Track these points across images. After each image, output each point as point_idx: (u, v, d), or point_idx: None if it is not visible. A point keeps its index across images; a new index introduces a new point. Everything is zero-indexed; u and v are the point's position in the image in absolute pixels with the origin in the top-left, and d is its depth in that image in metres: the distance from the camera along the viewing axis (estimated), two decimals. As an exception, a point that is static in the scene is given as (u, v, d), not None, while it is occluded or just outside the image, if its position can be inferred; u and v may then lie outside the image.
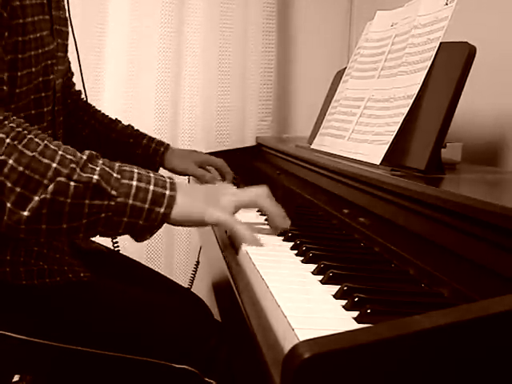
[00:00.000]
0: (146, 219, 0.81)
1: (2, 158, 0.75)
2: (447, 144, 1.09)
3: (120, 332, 0.96)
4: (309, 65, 2.08)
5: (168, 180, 0.84)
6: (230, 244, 0.91)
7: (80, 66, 1.33)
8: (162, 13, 1.85)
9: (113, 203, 0.78)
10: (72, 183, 0.76)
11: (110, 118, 1.33)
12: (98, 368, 0.95)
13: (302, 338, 0.50)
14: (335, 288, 0.66)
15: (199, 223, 0.84)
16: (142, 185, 0.81)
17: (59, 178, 0.76)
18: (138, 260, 1.30)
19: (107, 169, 0.80)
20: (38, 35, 0.92)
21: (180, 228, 1.93)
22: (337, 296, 0.65)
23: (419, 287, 0.70)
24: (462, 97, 0.91)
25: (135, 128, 1.34)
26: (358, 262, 0.78)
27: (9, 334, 0.92)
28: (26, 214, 0.76)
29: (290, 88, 2.10)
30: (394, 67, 1.09)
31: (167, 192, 0.82)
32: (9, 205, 0.75)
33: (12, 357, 0.95)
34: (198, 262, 1.69)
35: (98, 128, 1.31)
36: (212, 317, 1.13)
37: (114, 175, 0.80)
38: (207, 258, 1.33)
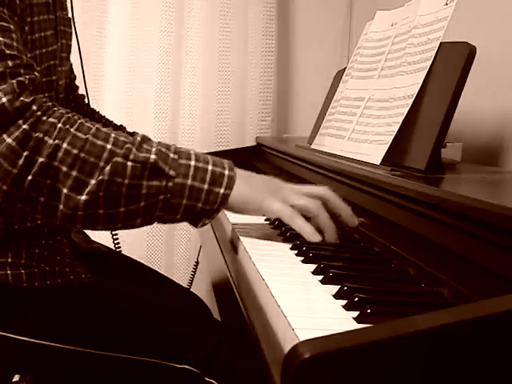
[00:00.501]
0: (205, 201, 0.78)
1: (56, 142, 0.73)
2: (447, 144, 1.09)
3: (121, 332, 0.96)
4: (309, 65, 2.09)
5: (226, 162, 0.81)
6: (230, 243, 0.91)
7: (82, 67, 1.32)
8: (162, 15, 1.85)
9: (171, 184, 0.76)
10: (129, 163, 0.75)
11: (115, 124, 1.33)
12: (99, 369, 0.95)
13: (302, 338, 0.50)
14: (335, 288, 0.66)
15: (256, 211, 0.82)
16: (200, 164, 0.78)
17: (116, 159, 0.74)
18: (138, 260, 1.30)
19: (164, 149, 0.78)
20: (43, 34, 0.92)
21: (180, 228, 1.94)
22: (337, 296, 0.65)
23: (419, 287, 0.70)
24: (461, 97, 0.91)
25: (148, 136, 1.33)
26: (358, 262, 0.78)
27: (10, 335, 0.92)
28: (83, 198, 0.73)
29: (290, 88, 2.10)
30: (394, 67, 1.09)
31: (226, 172, 0.79)
32: (65, 190, 0.73)
33: (13, 358, 0.95)
34: (197, 262, 1.69)
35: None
36: (212, 317, 1.13)
37: (171, 155, 0.78)
38: (207, 258, 1.33)
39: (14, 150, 0.72)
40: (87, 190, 0.74)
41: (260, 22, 1.95)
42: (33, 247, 0.95)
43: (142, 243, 1.90)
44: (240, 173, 0.81)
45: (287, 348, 0.44)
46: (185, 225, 1.94)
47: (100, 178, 0.74)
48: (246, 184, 0.81)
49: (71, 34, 1.10)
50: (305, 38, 2.08)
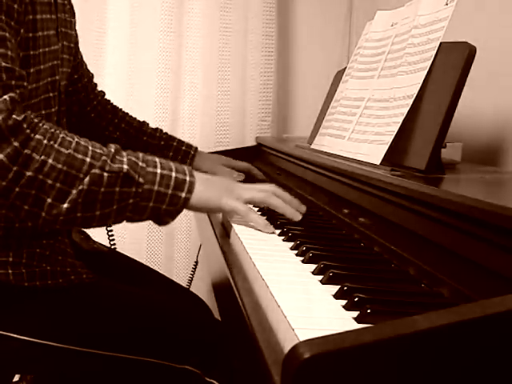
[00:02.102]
0: (170, 204, 0.88)
1: (43, 158, 0.80)
2: (447, 144, 1.09)
3: (121, 333, 0.96)
4: (309, 65, 2.08)
5: (186, 168, 0.91)
6: (230, 244, 0.91)
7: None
8: (162, 14, 1.85)
9: (140, 190, 0.86)
10: (105, 174, 0.83)
11: (139, 121, 1.37)
12: (99, 368, 0.95)
13: (302, 338, 0.50)
14: (335, 288, 0.66)
15: (215, 210, 0.93)
16: (165, 172, 0.88)
17: (94, 170, 0.83)
18: (138, 260, 1.30)
19: (133, 159, 0.87)
20: (45, 33, 0.95)
21: (180, 228, 1.94)
22: (337, 296, 0.65)
23: (419, 287, 0.70)
24: (461, 97, 0.91)
25: (164, 131, 1.38)
26: (358, 262, 0.78)
27: (11, 335, 0.92)
28: (65, 206, 0.82)
29: (290, 88, 2.10)
30: (393, 67, 1.09)
31: (187, 178, 0.89)
32: (49, 200, 0.81)
33: (13, 357, 0.95)
34: (196, 262, 1.69)
35: (128, 131, 1.34)
36: (213, 316, 1.13)
37: (140, 164, 0.87)
38: (207, 258, 1.33)
39: (4, 165, 0.78)
40: (69, 198, 0.82)
41: (260, 22, 1.95)
42: (34, 247, 0.95)
43: (142, 243, 1.90)
44: (199, 177, 0.91)
45: (287, 348, 0.44)
46: (185, 225, 1.94)
47: (80, 187, 0.82)
48: (205, 187, 0.91)
49: (72, 36, 1.10)
50: (305, 38, 2.08)
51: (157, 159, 0.90)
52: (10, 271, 0.92)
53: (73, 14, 1.12)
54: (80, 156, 0.83)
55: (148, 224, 1.89)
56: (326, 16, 2.08)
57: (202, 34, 1.90)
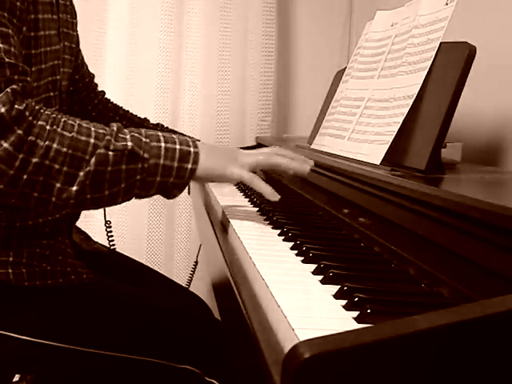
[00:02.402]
0: (176, 176, 0.88)
1: (47, 143, 0.81)
2: (447, 144, 1.09)
3: (121, 332, 0.96)
4: (309, 65, 2.08)
5: (190, 139, 0.92)
6: (231, 244, 0.91)
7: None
8: (162, 14, 1.85)
9: (146, 165, 0.86)
10: (110, 153, 0.84)
11: (140, 118, 1.38)
12: (100, 368, 0.95)
13: (302, 338, 0.50)
14: (335, 288, 0.66)
15: (221, 178, 0.93)
16: (169, 145, 0.88)
17: (99, 151, 0.83)
18: (138, 260, 1.30)
19: (136, 135, 0.87)
20: (47, 33, 0.95)
21: (180, 229, 1.94)
22: (337, 296, 0.65)
23: (419, 287, 0.70)
24: (461, 97, 0.91)
25: (165, 125, 1.39)
26: (358, 262, 0.78)
27: (11, 334, 0.92)
28: (74, 188, 0.82)
29: (290, 88, 2.10)
30: (394, 67, 1.09)
31: (192, 149, 0.89)
32: (58, 185, 0.81)
33: (14, 357, 0.95)
34: (196, 262, 1.69)
35: (130, 128, 1.33)
36: (213, 316, 1.13)
37: (144, 140, 0.87)
38: (207, 258, 1.33)
39: (10, 153, 0.78)
40: (77, 181, 0.82)
41: (260, 22, 1.95)
42: (34, 246, 0.95)
43: (142, 244, 1.90)
44: (203, 147, 0.91)
45: (287, 348, 0.44)
46: (185, 225, 1.94)
47: (87, 169, 0.82)
48: (210, 157, 0.91)
49: (74, 37, 1.11)
50: (305, 38, 2.08)
51: (160, 133, 0.90)
52: (10, 271, 0.92)
53: (74, 15, 1.13)
54: (84, 138, 0.83)
55: (148, 224, 1.89)
56: (326, 16, 2.08)
57: (201, 34, 1.90)
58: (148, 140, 0.87)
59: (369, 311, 0.57)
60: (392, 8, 1.21)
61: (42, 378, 1.16)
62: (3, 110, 0.79)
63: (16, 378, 1.39)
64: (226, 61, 1.94)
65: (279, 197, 0.93)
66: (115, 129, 0.87)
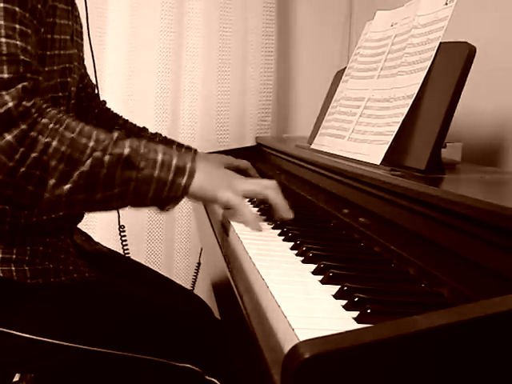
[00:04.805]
0: (170, 190, 0.89)
1: (47, 140, 0.83)
2: (447, 144, 1.09)
3: (123, 331, 0.97)
4: (309, 65, 2.08)
5: (188, 156, 0.93)
6: (231, 244, 0.91)
7: (95, 70, 1.35)
8: (162, 15, 1.85)
9: (140, 175, 0.88)
10: (106, 156, 0.86)
11: (139, 127, 1.39)
12: (102, 366, 0.96)
13: (302, 338, 0.50)
14: (335, 288, 0.66)
15: (212, 200, 0.93)
16: (166, 158, 0.90)
17: (96, 153, 0.85)
18: (138, 261, 1.30)
19: (135, 144, 0.89)
20: (63, 37, 0.99)
21: (180, 229, 1.94)
22: (337, 296, 0.65)
23: (419, 287, 0.70)
24: (461, 97, 0.91)
25: (163, 135, 1.40)
26: (358, 262, 0.78)
27: (13, 332, 0.93)
28: (67, 186, 0.84)
29: (290, 88, 2.10)
30: (393, 67, 1.09)
31: (188, 165, 0.91)
32: (52, 181, 0.84)
33: (16, 355, 0.95)
34: (199, 264, 1.69)
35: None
36: (213, 316, 1.13)
37: (142, 150, 0.89)
38: (207, 260, 1.33)
39: (12, 146, 0.81)
40: (71, 180, 0.84)
41: (260, 22, 1.95)
42: (37, 244, 0.97)
43: (142, 244, 1.90)
44: (200, 166, 0.92)
45: (287, 348, 0.44)
46: (185, 226, 1.94)
47: (82, 169, 0.85)
48: (205, 177, 0.92)
49: (82, 46, 1.14)
50: (305, 38, 2.08)
51: (160, 146, 0.92)
52: (13, 268, 0.93)
53: (81, 25, 1.15)
54: (84, 140, 0.85)
55: (148, 224, 1.89)
56: (325, 16, 2.08)
57: (202, 34, 1.90)
58: (146, 150, 0.89)
59: (369, 311, 0.57)
60: (392, 8, 1.21)
61: (42, 377, 1.16)
62: (11, 104, 0.81)
63: (16, 378, 1.39)
64: (226, 61, 1.94)
65: (260, 227, 0.92)
66: (116, 135, 0.89)
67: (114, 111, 1.40)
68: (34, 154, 0.82)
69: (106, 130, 1.33)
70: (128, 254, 1.46)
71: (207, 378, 0.97)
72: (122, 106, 1.87)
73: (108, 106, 1.40)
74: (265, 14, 1.96)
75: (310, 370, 0.42)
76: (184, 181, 0.90)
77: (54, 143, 0.83)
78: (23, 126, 0.82)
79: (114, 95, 1.87)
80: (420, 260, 0.73)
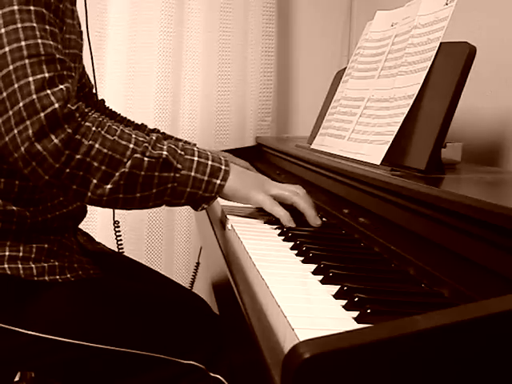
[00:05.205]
0: (205, 190, 0.94)
1: (90, 142, 0.87)
2: (447, 144, 1.09)
3: (128, 328, 0.98)
4: (309, 65, 2.08)
5: (223, 158, 0.98)
6: (231, 244, 0.91)
7: (94, 70, 1.35)
8: (162, 15, 1.85)
9: (178, 175, 0.92)
10: (146, 158, 0.90)
11: (137, 124, 1.39)
12: (105, 363, 0.96)
13: (302, 338, 0.50)
14: (335, 288, 0.66)
15: (244, 200, 0.98)
16: (202, 160, 0.94)
17: (135, 155, 0.90)
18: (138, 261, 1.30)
19: (173, 146, 0.94)
20: (71, 37, 1.02)
21: (180, 229, 1.94)
22: (337, 296, 0.65)
23: (419, 287, 0.70)
24: (462, 97, 0.91)
25: (161, 131, 1.40)
26: (358, 262, 0.78)
27: (19, 329, 0.93)
28: (108, 186, 0.89)
29: (290, 88, 2.10)
30: (394, 67, 1.09)
31: (223, 167, 0.96)
32: (95, 181, 0.88)
33: (22, 353, 0.96)
34: (198, 263, 1.69)
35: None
36: (215, 315, 1.13)
37: (179, 151, 0.94)
38: (207, 260, 1.33)
39: (58, 148, 0.85)
40: (112, 180, 0.89)
41: (260, 22, 1.95)
42: (42, 242, 0.98)
43: (142, 244, 1.90)
44: (234, 168, 0.98)
45: (287, 348, 0.44)
46: (185, 226, 1.94)
47: (122, 170, 0.89)
48: (238, 178, 0.97)
49: (82, 46, 1.15)
50: (305, 38, 2.08)
51: (195, 148, 0.96)
52: (20, 265, 0.94)
53: (80, 25, 1.16)
54: (124, 142, 0.89)
55: (148, 224, 1.89)
56: (326, 16, 2.08)
57: (201, 34, 1.89)
58: (183, 152, 0.93)
59: (369, 311, 0.58)
60: (392, 8, 1.21)
61: (48, 373, 1.16)
62: (57, 105, 0.85)
63: (16, 378, 1.39)
64: (226, 61, 1.94)
65: (295, 224, 0.95)
66: (154, 138, 0.93)
67: (113, 110, 1.40)
68: (78, 156, 0.86)
69: None
70: (122, 249, 1.45)
71: (211, 374, 0.97)
72: (122, 106, 1.87)
73: (107, 105, 1.40)
74: (265, 14, 1.95)
75: (310, 370, 0.42)
76: (219, 181, 0.94)
77: (97, 146, 0.87)
78: (69, 130, 0.85)
79: (114, 95, 1.87)
80: (420, 260, 0.73)
